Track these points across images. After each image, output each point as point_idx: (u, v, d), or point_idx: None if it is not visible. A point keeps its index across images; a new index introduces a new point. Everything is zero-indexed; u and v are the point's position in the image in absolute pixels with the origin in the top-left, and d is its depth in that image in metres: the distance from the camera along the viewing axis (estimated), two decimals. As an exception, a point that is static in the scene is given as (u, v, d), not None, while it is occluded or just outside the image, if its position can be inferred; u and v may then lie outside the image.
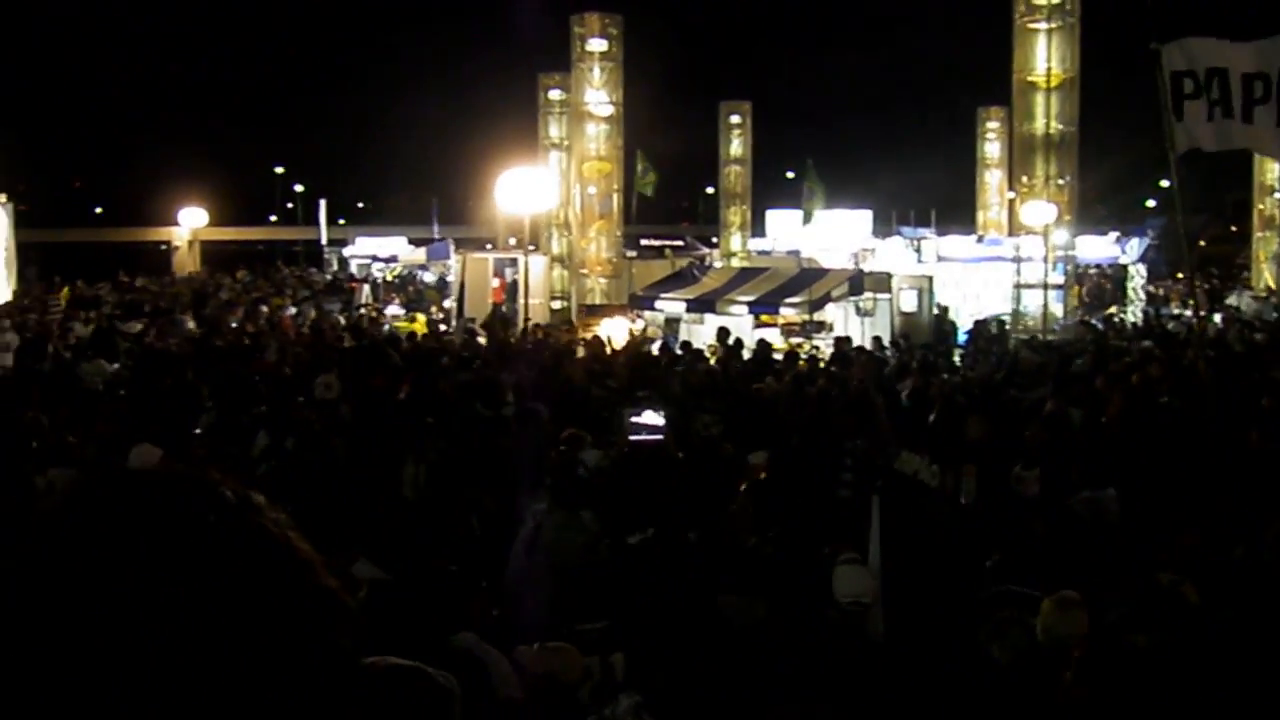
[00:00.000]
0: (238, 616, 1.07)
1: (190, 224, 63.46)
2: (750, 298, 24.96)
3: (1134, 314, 33.61)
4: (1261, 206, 42.15)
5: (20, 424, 10.53)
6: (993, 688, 5.71)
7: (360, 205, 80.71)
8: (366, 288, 41.15)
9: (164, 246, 64.61)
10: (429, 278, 41.07)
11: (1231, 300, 37.47)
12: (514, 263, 31.07)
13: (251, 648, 1.07)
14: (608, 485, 9.09)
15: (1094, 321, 30.26)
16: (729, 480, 9.38)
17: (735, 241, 42.95)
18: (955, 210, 47.48)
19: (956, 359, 22.40)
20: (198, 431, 11.12)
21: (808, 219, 36.96)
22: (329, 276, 50.85)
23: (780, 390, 15.12)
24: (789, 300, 24.70)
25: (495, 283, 31.18)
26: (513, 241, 34.63)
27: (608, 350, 20.98)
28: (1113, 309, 34.09)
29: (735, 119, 43.57)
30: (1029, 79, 29.65)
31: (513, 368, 16.63)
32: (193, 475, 1.16)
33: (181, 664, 1.04)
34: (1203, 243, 51.86)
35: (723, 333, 21.26)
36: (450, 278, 33.47)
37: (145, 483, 1.15)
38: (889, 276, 27.27)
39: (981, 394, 14.81)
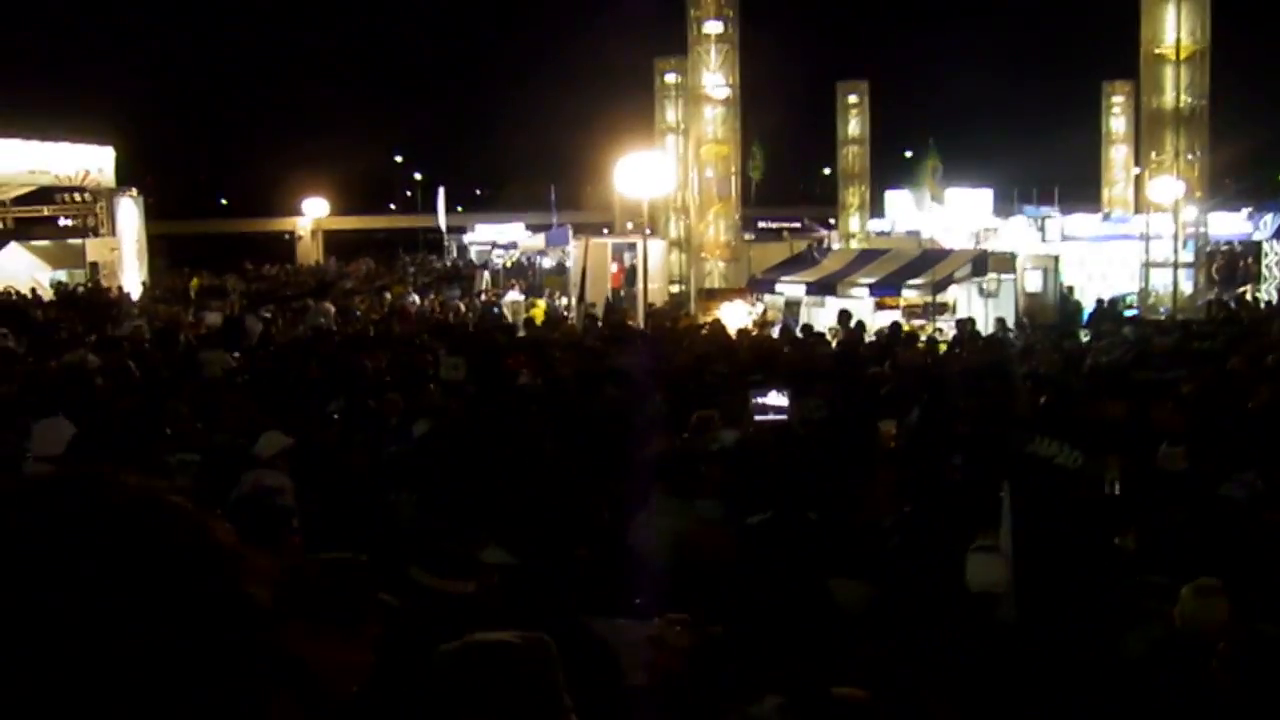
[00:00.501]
0: (139, 598, 1.11)
1: (313, 214, 64.63)
2: (871, 280, 24.67)
3: (1269, 292, 32.63)
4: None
5: (157, 410, 10.75)
6: (1127, 678, 5.58)
7: (479, 192, 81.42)
8: (486, 274, 41.54)
9: (288, 236, 65.87)
10: (547, 263, 41.31)
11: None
12: (633, 247, 31.08)
13: (159, 627, 1.11)
14: (732, 467, 9.01)
15: (1227, 300, 29.49)
16: (849, 460, 9.25)
17: (854, 223, 42.57)
18: (1079, 188, 46.54)
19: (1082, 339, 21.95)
20: (334, 416, 11.24)
21: (936, 197, 36.40)
22: (448, 263, 51.46)
23: (900, 369, 14.93)
24: (911, 282, 24.39)
25: (614, 267, 31.24)
26: (630, 226, 34.69)
27: (727, 334, 20.91)
28: (1246, 287, 33.16)
29: (853, 98, 43.13)
30: (1158, 51, 28.93)
31: (628, 351, 16.63)
32: (98, 473, 1.19)
33: (84, 642, 1.08)
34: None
35: (844, 315, 21.07)
36: (569, 263, 33.61)
37: (55, 480, 1.19)
38: (1013, 257, 26.76)
39: (1111, 376, 14.46)
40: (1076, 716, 5.31)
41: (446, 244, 56.66)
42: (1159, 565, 6.69)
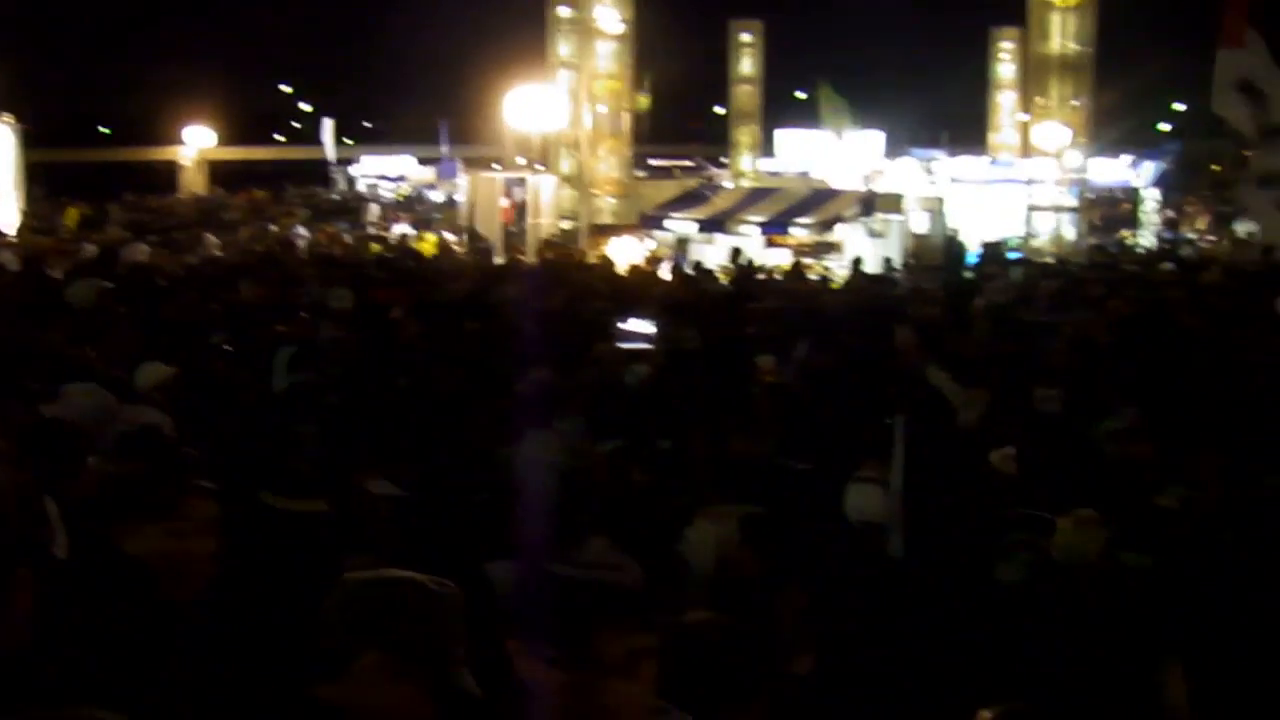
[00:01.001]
0: None
1: (197, 144, 63.21)
2: (761, 218, 24.83)
3: (1147, 238, 33.45)
4: (1276, 130, 41.69)
5: (30, 339, 10.45)
6: (998, 609, 5.70)
7: (367, 124, 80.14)
8: (374, 207, 41.03)
9: (170, 166, 64.34)
10: (437, 197, 40.87)
11: (1244, 226, 37.30)
12: (523, 182, 30.87)
13: None
14: (592, 398, 9.03)
15: (1107, 245, 30.19)
16: (721, 391, 9.32)
17: (745, 162, 42.65)
18: (967, 132, 47.04)
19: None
20: (225, 348, 11.00)
21: (837, 133, 36.46)
22: (336, 196, 50.73)
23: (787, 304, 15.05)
24: (799, 221, 24.59)
25: (504, 202, 30.99)
26: (521, 161, 34.41)
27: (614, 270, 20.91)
28: (1125, 232, 33.97)
29: (746, 37, 43.06)
30: (1045, -2, 29.34)
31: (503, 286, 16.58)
32: None
33: None
34: (1216, 167, 51.38)
35: (735, 252, 21.18)
36: (459, 197, 33.29)
37: None
38: (900, 198, 27.09)
39: (998, 317, 14.70)
40: (954, 644, 5.40)
41: (334, 176, 55.75)
42: (1035, 499, 6.84)
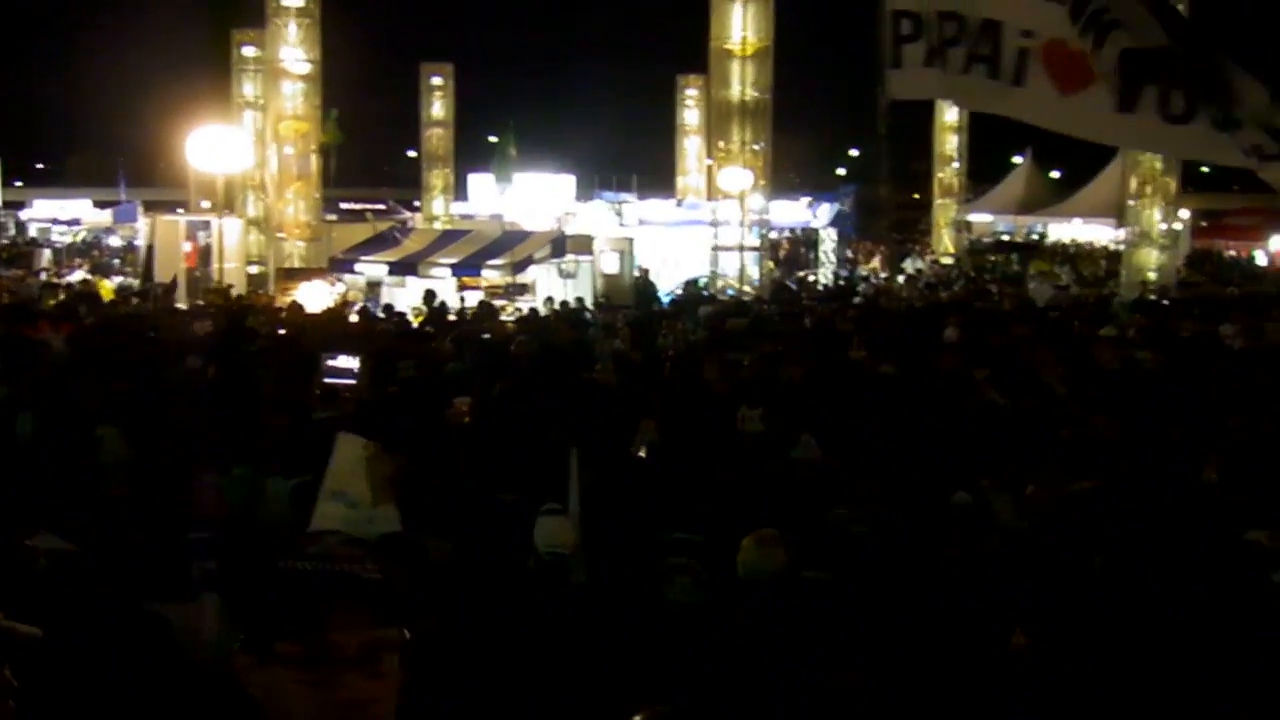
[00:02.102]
0: None
1: None
2: (453, 260, 24.84)
3: (825, 275, 35.01)
4: (941, 175, 44.43)
5: None
6: (672, 629, 5.83)
7: (40, 166, 76.14)
8: (47, 252, 39.14)
9: None
10: (115, 242, 39.31)
11: (913, 264, 39.64)
12: (207, 225, 29.95)
13: None
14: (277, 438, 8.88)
15: (788, 283, 31.47)
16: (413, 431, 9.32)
17: (438, 205, 42.62)
18: (656, 176, 48.19)
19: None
20: None
21: (501, 178, 37.06)
22: (4, 241, 48.11)
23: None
24: (491, 263, 24.69)
25: (187, 247, 29.94)
26: (206, 204, 33.37)
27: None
28: (805, 271, 35.48)
29: (437, 80, 43.17)
30: (725, 47, 30.39)
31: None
32: None
33: None
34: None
35: (429, 295, 21.13)
36: (139, 241, 32.06)
37: None
38: (591, 239, 27.58)
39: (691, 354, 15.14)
40: (625, 661, 5.49)
41: (2, 221, 52.75)
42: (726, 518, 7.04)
